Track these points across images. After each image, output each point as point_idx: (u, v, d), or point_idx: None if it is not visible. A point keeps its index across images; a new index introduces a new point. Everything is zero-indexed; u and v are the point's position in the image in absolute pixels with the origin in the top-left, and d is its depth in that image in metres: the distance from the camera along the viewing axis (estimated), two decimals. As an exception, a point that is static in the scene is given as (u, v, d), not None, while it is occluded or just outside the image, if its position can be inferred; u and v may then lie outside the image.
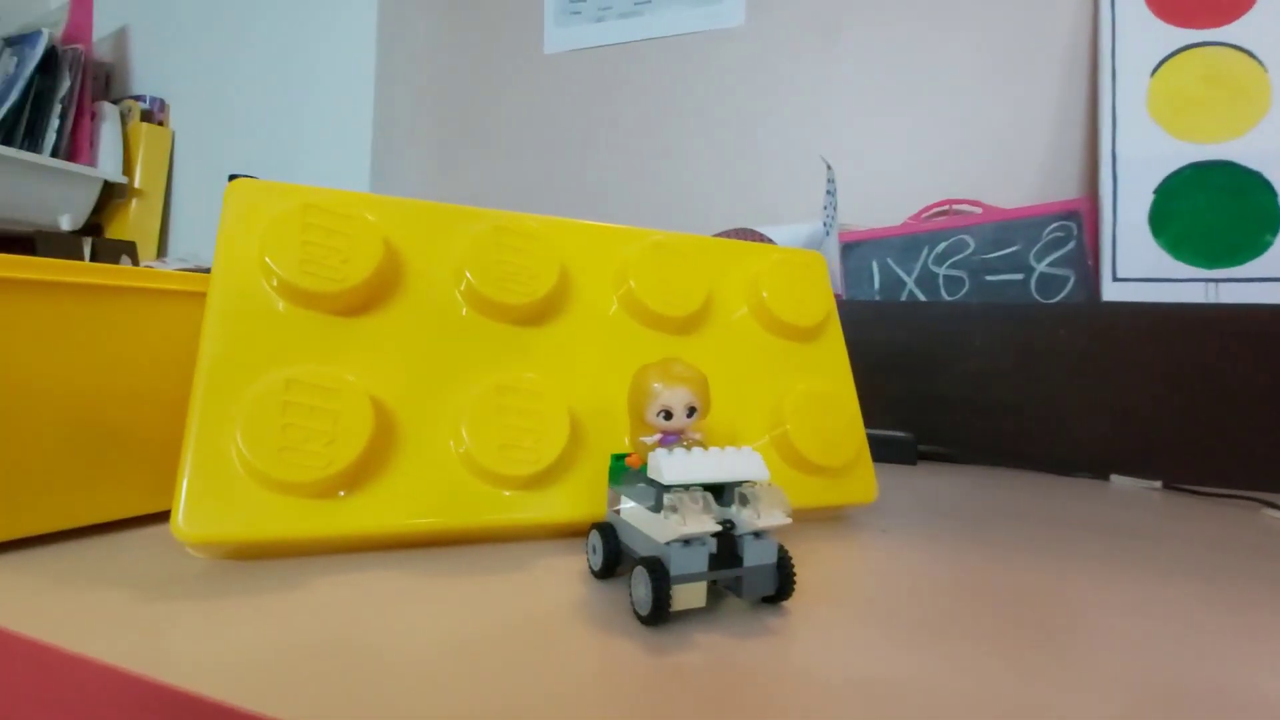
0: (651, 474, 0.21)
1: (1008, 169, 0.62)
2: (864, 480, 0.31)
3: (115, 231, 1.00)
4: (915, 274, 0.61)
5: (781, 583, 0.21)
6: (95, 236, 0.96)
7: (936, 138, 0.65)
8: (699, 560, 0.20)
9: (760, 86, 0.73)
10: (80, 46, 0.97)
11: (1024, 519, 0.34)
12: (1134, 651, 0.19)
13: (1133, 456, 0.47)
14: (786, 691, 0.16)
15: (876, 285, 0.62)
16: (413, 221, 0.28)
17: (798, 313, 0.33)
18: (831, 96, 0.70)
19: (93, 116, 0.98)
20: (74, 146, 0.95)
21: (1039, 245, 0.57)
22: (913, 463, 0.52)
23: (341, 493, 0.23)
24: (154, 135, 1.02)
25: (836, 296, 0.62)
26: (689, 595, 0.20)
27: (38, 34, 0.90)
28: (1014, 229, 0.58)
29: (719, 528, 0.19)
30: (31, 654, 0.17)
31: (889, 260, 0.62)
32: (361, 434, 0.23)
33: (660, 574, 0.19)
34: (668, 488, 0.20)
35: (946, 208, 0.62)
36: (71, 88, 0.94)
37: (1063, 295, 0.56)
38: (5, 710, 0.17)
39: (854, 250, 0.63)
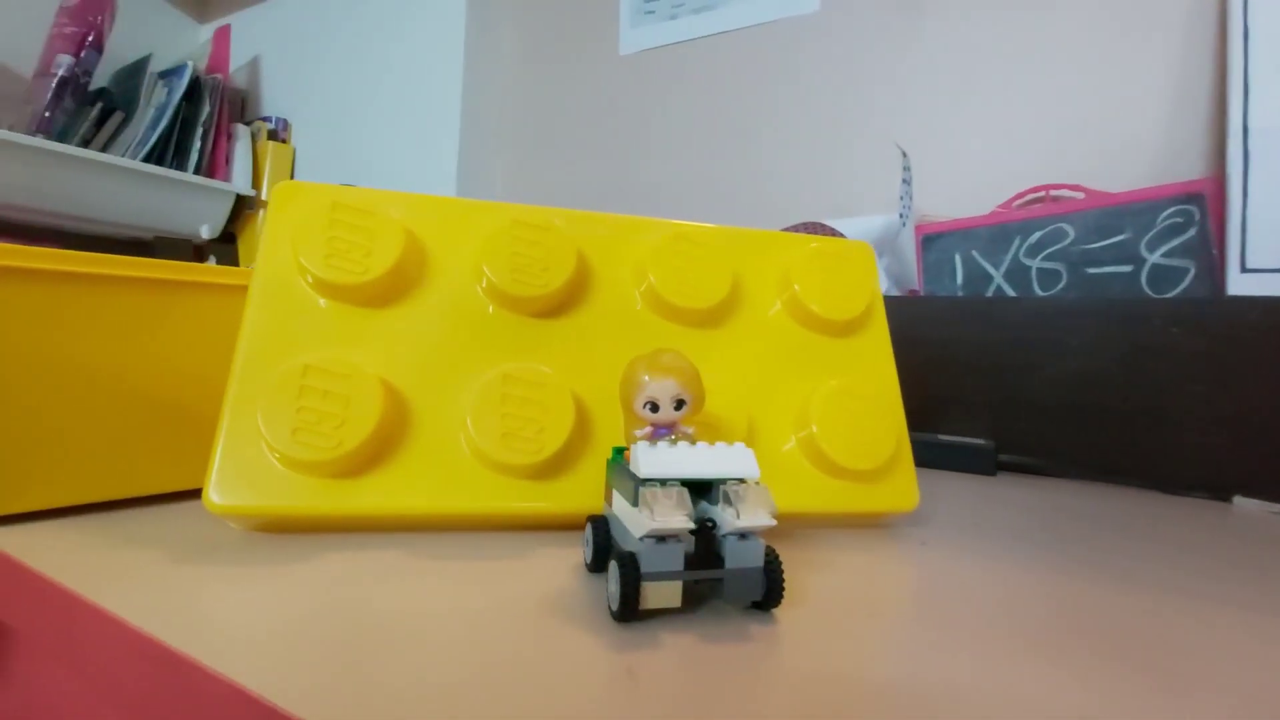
0: (631, 467, 0.20)
1: (1116, 149, 0.55)
2: (902, 486, 0.29)
3: (246, 238, 1.12)
4: (1004, 267, 0.55)
5: (769, 588, 0.19)
6: (227, 244, 1.07)
7: (1031, 118, 0.60)
8: (673, 559, 0.19)
9: (837, 74, 0.70)
10: (219, 76, 1.10)
11: (1112, 541, 0.30)
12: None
13: (1260, 476, 0.40)
14: (732, 699, 0.15)
15: (959, 280, 0.57)
16: (435, 216, 0.29)
17: (833, 306, 0.31)
18: (913, 80, 0.66)
19: (229, 137, 1.10)
20: (213, 164, 1.07)
21: (1152, 233, 0.50)
22: (991, 473, 0.47)
23: (355, 474, 0.25)
24: (279, 152, 1.13)
25: (913, 293, 0.58)
26: (662, 594, 0.19)
27: (184, 67, 1.02)
28: (1122, 215, 0.51)
29: (691, 525, 0.19)
30: (62, 602, 0.19)
31: (974, 253, 0.57)
32: (370, 418, 0.24)
33: (630, 570, 0.19)
34: (644, 481, 0.20)
35: (1042, 194, 0.56)
36: (211, 112, 1.06)
37: (1180, 289, 0.49)
38: (38, 649, 0.20)
39: (935, 243, 0.58)
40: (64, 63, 0.91)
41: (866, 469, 0.28)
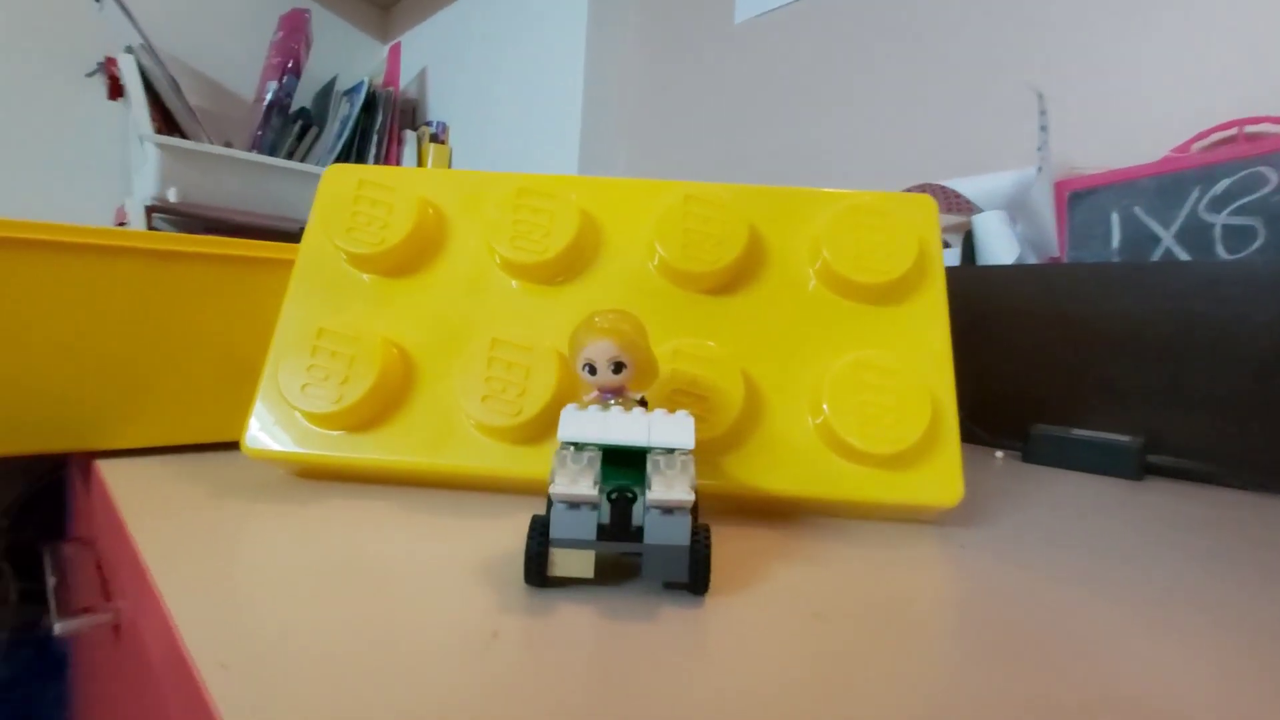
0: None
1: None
2: (939, 477, 0.25)
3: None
4: (1177, 225, 0.44)
5: (693, 571, 0.18)
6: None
7: (1219, 40, 0.47)
8: (584, 526, 0.18)
9: (966, 14, 0.61)
10: (391, 89, 1.24)
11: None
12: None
13: None
14: (566, 681, 0.14)
15: (1115, 243, 0.47)
16: (453, 189, 0.30)
17: (868, 269, 0.27)
18: (1057, 11, 0.55)
19: (399, 143, 1.24)
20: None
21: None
22: (1135, 477, 0.39)
23: (362, 428, 0.26)
24: (439, 152, 1.24)
25: (1053, 260, 0.49)
26: (572, 562, 0.18)
27: (361, 84, 1.17)
28: (1356, 150, 0.38)
29: (592, 492, 0.17)
30: (116, 526, 0.23)
31: (1137, 209, 0.46)
32: (369, 376, 0.26)
33: (537, 533, 0.18)
34: (564, 445, 0.19)
35: (1234, 130, 0.44)
36: (384, 122, 1.20)
37: None
38: (107, 563, 0.24)
39: (1085, 200, 0.49)
40: (271, 89, 1.08)
41: (885, 454, 0.24)
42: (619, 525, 0.18)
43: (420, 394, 0.27)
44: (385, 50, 1.39)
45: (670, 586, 0.19)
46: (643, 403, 0.22)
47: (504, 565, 0.20)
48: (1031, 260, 0.50)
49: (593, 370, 0.20)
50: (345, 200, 0.29)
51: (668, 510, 0.18)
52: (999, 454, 0.43)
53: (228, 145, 1.06)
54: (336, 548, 0.20)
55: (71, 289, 0.29)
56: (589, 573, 0.18)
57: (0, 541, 0.48)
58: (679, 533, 0.18)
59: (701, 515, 0.25)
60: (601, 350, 0.20)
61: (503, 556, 0.20)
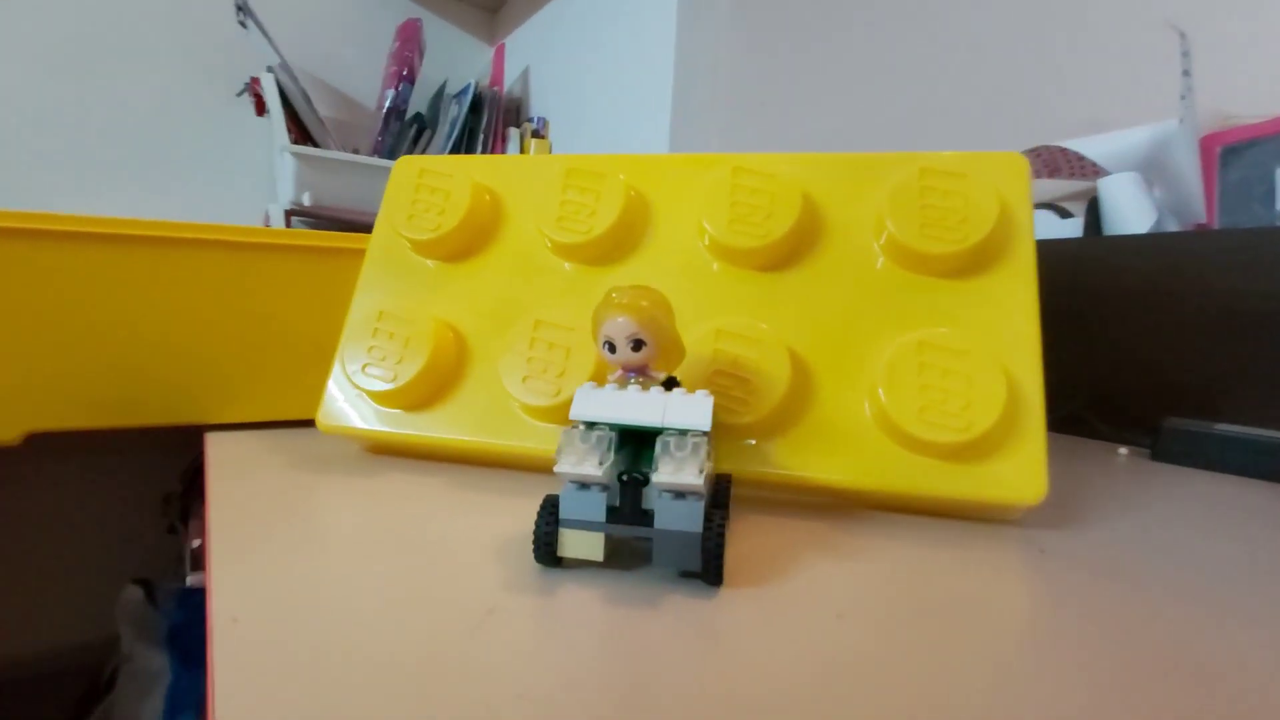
0: (574, 408, 0.19)
1: None
2: (1017, 471, 0.22)
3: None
4: (1369, 180, 0.36)
5: (705, 560, 0.17)
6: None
7: None
8: (593, 508, 0.17)
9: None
10: (496, 89, 1.29)
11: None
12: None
13: None
14: (548, 665, 0.14)
15: (1283, 205, 0.40)
16: (508, 174, 0.31)
17: (937, 237, 0.24)
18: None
19: (504, 140, 1.29)
20: (491, 164, 1.27)
21: None
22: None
23: (419, 407, 0.28)
24: (540, 147, 1.28)
25: (1200, 227, 0.42)
26: (581, 544, 0.18)
27: (469, 85, 1.22)
28: None
29: (597, 473, 0.17)
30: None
31: (1313, 163, 0.38)
32: (421, 357, 0.27)
33: (546, 513, 0.18)
34: (575, 424, 0.18)
35: None
36: (490, 120, 1.25)
37: None
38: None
39: (1242, 154, 0.41)
40: (389, 96, 1.17)
41: (950, 443, 0.22)
42: (631, 508, 0.18)
43: (473, 375, 0.28)
44: (491, 52, 1.45)
45: (686, 575, 0.18)
46: (671, 383, 0.21)
47: (524, 543, 0.20)
48: (1171, 228, 0.43)
49: (612, 348, 0.19)
50: (408, 189, 0.30)
51: (679, 494, 0.17)
52: (1123, 450, 0.38)
53: (355, 151, 1.16)
54: (375, 519, 0.21)
55: (196, 279, 0.32)
56: (598, 555, 0.18)
57: (176, 504, 0.55)
58: (690, 519, 0.17)
59: (746, 503, 0.23)
60: (620, 327, 0.19)
61: (526, 535, 0.20)
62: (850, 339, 0.25)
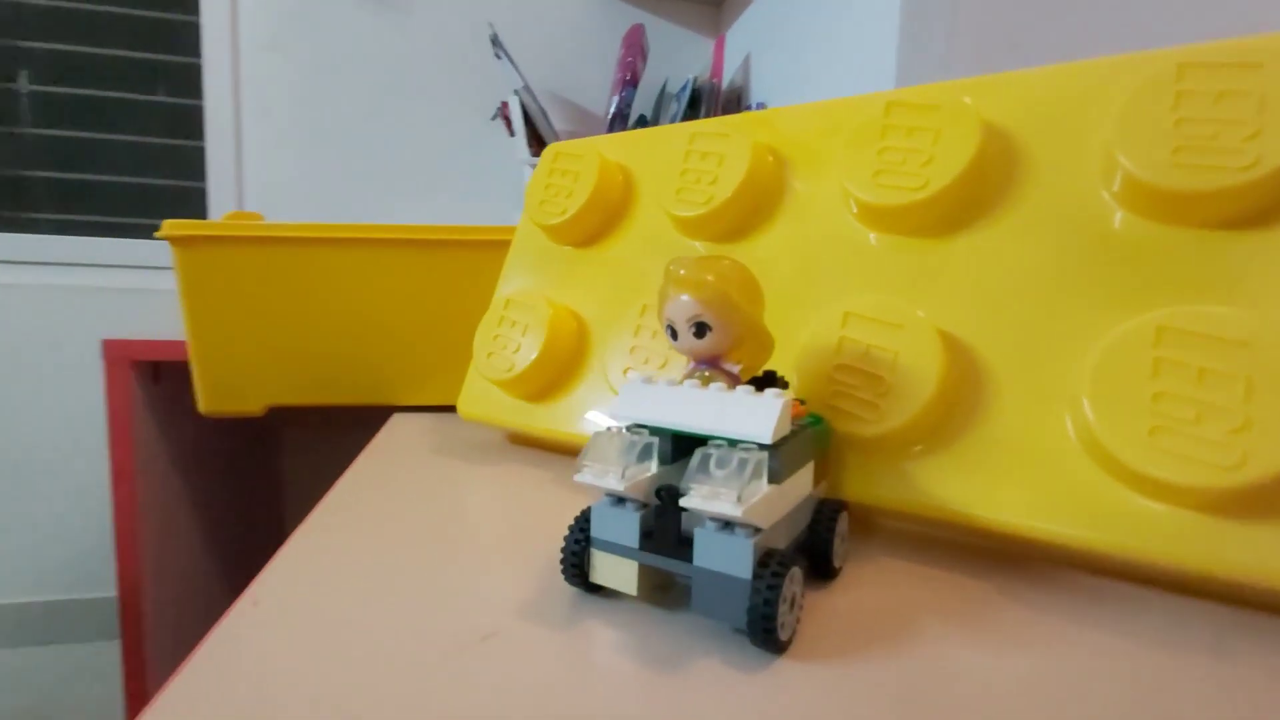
0: (624, 405, 0.16)
1: None
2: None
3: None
4: None
5: (751, 619, 0.12)
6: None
7: None
8: (625, 529, 0.14)
9: None
10: (715, 80, 1.28)
11: None
12: None
13: None
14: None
15: None
16: (636, 149, 0.28)
17: (1200, 166, 0.16)
18: None
19: (723, 132, 1.27)
20: (710, 158, 1.26)
21: None
22: None
23: (540, 397, 0.27)
24: (760, 135, 1.24)
25: None
26: (613, 572, 0.15)
27: (687, 83, 1.23)
28: None
29: (618, 486, 0.14)
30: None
31: None
32: (537, 345, 0.26)
33: (577, 528, 0.15)
34: (624, 426, 0.15)
35: None
36: (707, 113, 1.24)
37: None
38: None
39: None
40: (614, 103, 1.22)
41: (1206, 487, 0.14)
42: (667, 534, 0.14)
43: (591, 365, 0.26)
44: (712, 45, 1.44)
45: (740, 631, 0.14)
46: (770, 380, 0.16)
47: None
48: None
49: (675, 334, 0.16)
50: (543, 174, 0.30)
51: (726, 525, 0.13)
52: None
53: (582, 158, 1.24)
54: (451, 513, 0.21)
55: (395, 274, 0.36)
56: (631, 589, 0.14)
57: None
58: (736, 559, 0.13)
59: (876, 540, 0.18)
60: (680, 309, 0.15)
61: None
62: (1056, 326, 0.17)
